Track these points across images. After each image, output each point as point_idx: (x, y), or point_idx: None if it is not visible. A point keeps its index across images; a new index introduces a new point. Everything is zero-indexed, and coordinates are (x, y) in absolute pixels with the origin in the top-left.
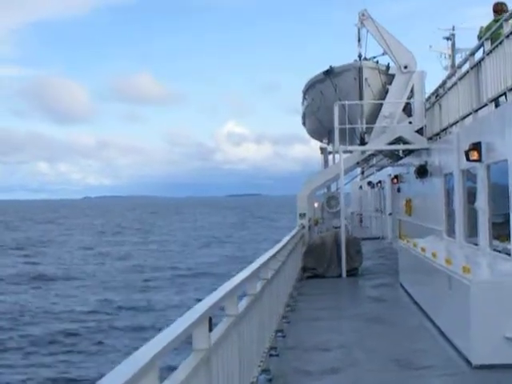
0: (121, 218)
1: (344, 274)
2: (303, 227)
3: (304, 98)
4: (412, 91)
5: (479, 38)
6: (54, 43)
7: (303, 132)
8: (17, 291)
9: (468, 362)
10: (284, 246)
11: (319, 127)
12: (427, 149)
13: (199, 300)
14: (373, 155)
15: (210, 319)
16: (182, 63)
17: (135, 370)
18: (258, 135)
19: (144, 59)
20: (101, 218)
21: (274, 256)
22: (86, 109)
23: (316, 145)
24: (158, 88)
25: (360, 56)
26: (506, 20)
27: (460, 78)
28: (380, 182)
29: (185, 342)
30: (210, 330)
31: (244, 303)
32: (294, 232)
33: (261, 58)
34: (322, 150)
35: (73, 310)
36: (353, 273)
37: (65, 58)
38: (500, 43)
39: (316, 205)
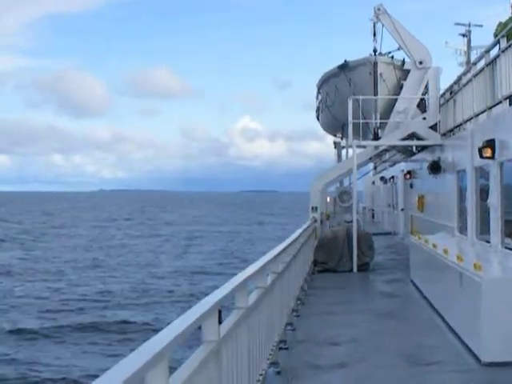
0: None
1: (355, 268)
2: (315, 221)
3: (318, 92)
4: (427, 87)
5: (495, 35)
6: (70, 36)
7: (317, 128)
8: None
9: (477, 359)
10: (296, 240)
11: (333, 121)
12: (441, 145)
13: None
14: (386, 150)
15: (220, 311)
16: (198, 59)
17: (145, 361)
18: (272, 132)
19: (161, 54)
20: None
21: (285, 249)
22: (102, 102)
23: (331, 141)
24: (173, 83)
25: (375, 51)
26: None
27: (475, 75)
28: (393, 177)
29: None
30: (220, 322)
31: (254, 296)
32: (305, 225)
33: (275, 54)
34: (336, 144)
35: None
36: (364, 268)
37: (81, 51)
38: None
39: (328, 199)
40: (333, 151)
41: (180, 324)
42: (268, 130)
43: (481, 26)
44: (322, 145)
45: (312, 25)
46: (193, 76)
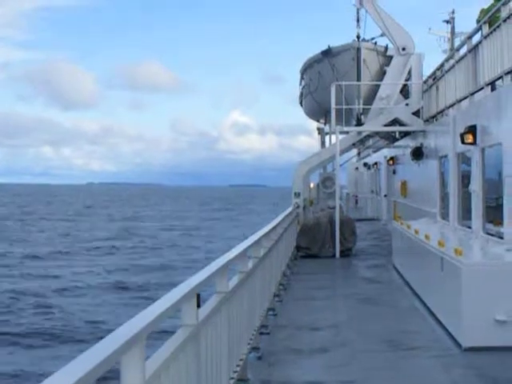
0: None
1: (338, 254)
2: (298, 206)
3: (302, 77)
4: (410, 73)
5: (478, 22)
6: (62, 28)
7: (307, 123)
8: None
9: (458, 344)
10: (278, 225)
11: (316, 107)
12: (423, 131)
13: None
14: (369, 136)
15: (198, 295)
16: (188, 52)
17: (120, 344)
18: (262, 126)
19: (151, 47)
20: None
21: (267, 234)
22: (93, 95)
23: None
24: (164, 76)
25: (358, 37)
26: (504, 4)
27: (457, 61)
28: (376, 163)
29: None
30: (198, 306)
31: (235, 281)
32: (288, 211)
33: (266, 48)
34: (319, 130)
35: None
36: (347, 253)
37: (73, 44)
38: (498, 27)
39: (311, 185)
40: (318, 142)
41: (157, 307)
42: (258, 124)
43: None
44: (311, 139)
45: (302, 16)
46: (183, 70)
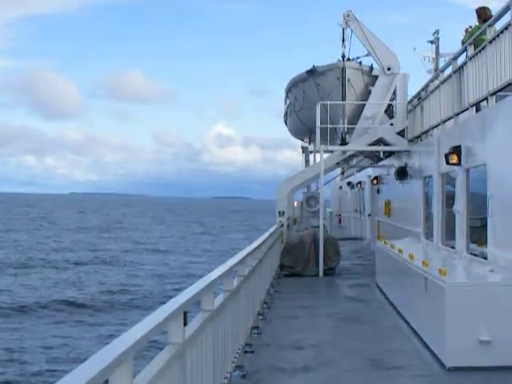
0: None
1: (321, 273)
2: (282, 225)
3: (287, 96)
4: (394, 93)
5: (463, 42)
6: (46, 38)
7: (291, 138)
8: None
9: (442, 364)
10: (262, 243)
11: (301, 126)
12: (408, 151)
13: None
14: (353, 156)
15: (185, 314)
16: (172, 64)
17: (108, 362)
18: (246, 138)
19: (135, 58)
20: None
21: (251, 253)
22: (76, 104)
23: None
24: (148, 87)
25: (343, 56)
26: (490, 26)
27: (442, 82)
28: (360, 182)
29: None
30: (185, 324)
31: (220, 299)
32: (272, 229)
33: (250, 62)
34: (303, 149)
35: None
36: (330, 272)
37: (55, 54)
38: (483, 48)
39: (295, 204)
40: (302, 159)
41: (144, 326)
42: (242, 136)
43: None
44: (296, 153)
45: (287, 32)
46: (167, 81)
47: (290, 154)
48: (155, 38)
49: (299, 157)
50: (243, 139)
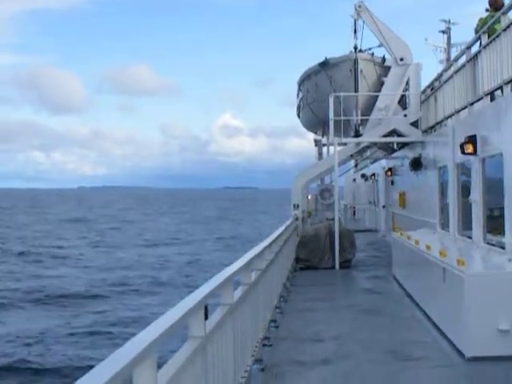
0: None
1: (337, 265)
2: (297, 218)
3: (299, 89)
4: (407, 84)
5: (476, 31)
6: (52, 33)
7: (298, 125)
8: None
9: (461, 354)
10: (278, 237)
11: (314, 119)
12: (422, 142)
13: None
14: (367, 147)
15: (206, 307)
16: (178, 57)
17: (132, 357)
18: (253, 128)
19: (141, 52)
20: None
21: (268, 246)
22: (82, 99)
23: (312, 138)
24: (153, 80)
25: (356, 48)
26: (504, 13)
27: (456, 71)
28: (374, 174)
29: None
30: (206, 318)
31: (239, 292)
32: (288, 223)
33: (256, 52)
34: (317, 142)
35: None
36: (346, 265)
37: (61, 48)
38: (497, 37)
39: (309, 197)
40: (313, 148)
41: (167, 320)
42: (249, 126)
43: (457, 23)
44: (304, 141)
45: (293, 22)
46: (172, 74)
47: (298, 142)
48: (159, 31)
49: (307, 145)
50: (250, 129)
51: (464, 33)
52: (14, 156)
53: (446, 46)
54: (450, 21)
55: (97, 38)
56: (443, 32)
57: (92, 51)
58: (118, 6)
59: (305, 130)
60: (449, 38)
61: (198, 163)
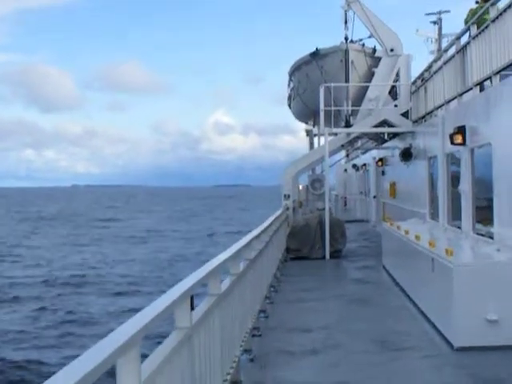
0: None
1: (328, 255)
2: (287, 208)
3: (290, 79)
4: (398, 74)
5: (466, 22)
6: (42, 30)
7: (290, 122)
8: None
9: (449, 344)
10: (268, 227)
11: (305, 109)
12: (412, 132)
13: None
14: (358, 138)
15: (192, 298)
16: (170, 54)
17: (116, 347)
18: (245, 126)
19: (131, 50)
20: None
21: (257, 236)
22: (73, 97)
23: (303, 135)
24: (144, 78)
25: (346, 38)
26: (493, 4)
27: (446, 62)
28: (365, 164)
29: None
30: (192, 308)
31: (227, 283)
32: (278, 213)
33: (248, 49)
34: (308, 132)
35: None
36: (336, 255)
37: (52, 46)
38: (486, 27)
39: (300, 187)
40: (305, 143)
41: (152, 310)
42: (241, 124)
43: (448, 11)
44: (295, 139)
45: (285, 18)
46: (164, 71)
47: (289, 140)
48: (150, 28)
49: (298, 142)
50: (242, 127)
51: (455, 24)
52: (5, 155)
53: (437, 36)
54: (440, 12)
55: (87, 35)
56: (434, 23)
57: (81, 49)
58: (109, 2)
59: (296, 126)
60: (440, 29)
61: (190, 161)
